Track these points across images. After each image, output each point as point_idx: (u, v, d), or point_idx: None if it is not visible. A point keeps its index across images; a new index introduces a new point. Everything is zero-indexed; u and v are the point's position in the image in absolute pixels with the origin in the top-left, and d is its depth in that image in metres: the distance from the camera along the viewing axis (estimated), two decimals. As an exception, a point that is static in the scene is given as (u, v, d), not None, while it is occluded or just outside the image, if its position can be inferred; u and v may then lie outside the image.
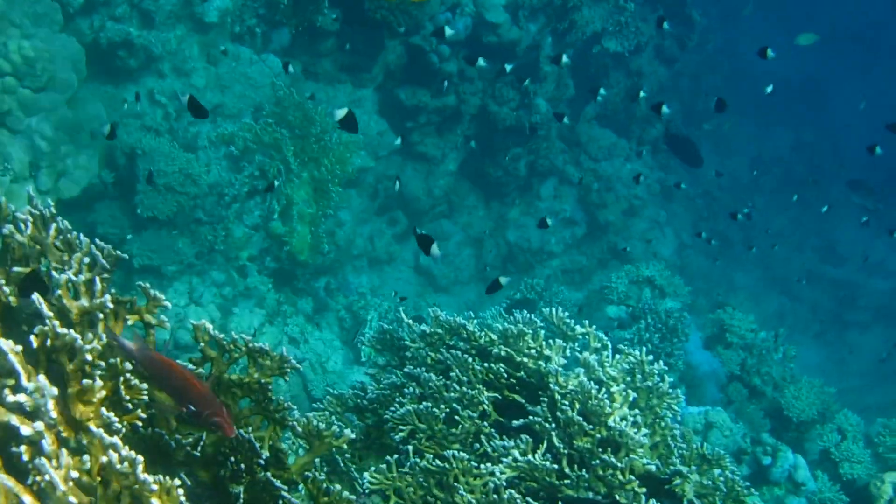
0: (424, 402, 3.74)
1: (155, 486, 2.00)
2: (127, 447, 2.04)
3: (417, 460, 3.54)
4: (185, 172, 7.60)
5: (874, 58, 25.63)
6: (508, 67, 8.50)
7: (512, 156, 11.86)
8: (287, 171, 8.23)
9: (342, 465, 3.79)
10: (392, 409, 3.78)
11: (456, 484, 3.50)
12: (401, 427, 3.72)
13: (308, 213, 8.47)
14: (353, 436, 2.96)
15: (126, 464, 2.00)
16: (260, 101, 8.72)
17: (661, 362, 4.16)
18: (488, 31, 10.94)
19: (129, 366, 2.33)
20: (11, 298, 2.30)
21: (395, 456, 3.61)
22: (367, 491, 3.57)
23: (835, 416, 9.02)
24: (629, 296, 9.58)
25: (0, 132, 6.52)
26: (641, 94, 8.74)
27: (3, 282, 2.30)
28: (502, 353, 3.93)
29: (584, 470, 3.59)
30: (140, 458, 2.01)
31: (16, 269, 2.43)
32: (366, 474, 3.57)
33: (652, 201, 14.49)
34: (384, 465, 3.58)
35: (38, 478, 1.99)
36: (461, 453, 3.51)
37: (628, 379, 4.07)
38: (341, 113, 5.69)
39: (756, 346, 9.48)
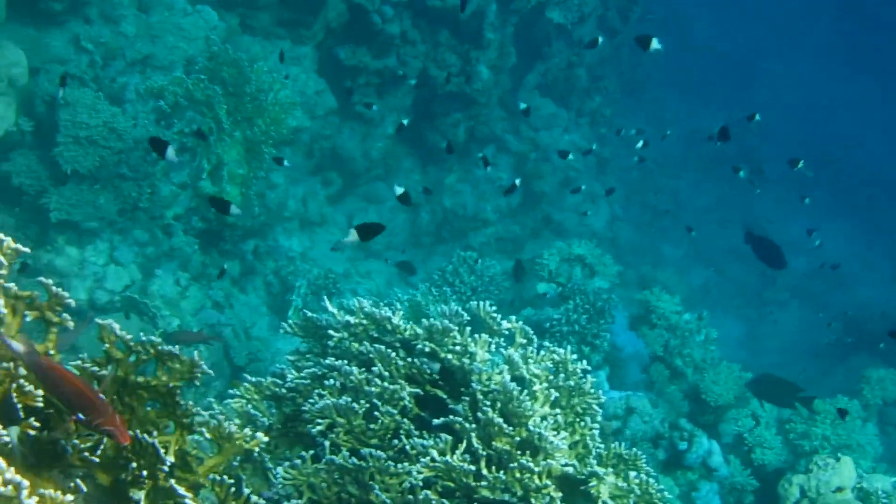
0: (344, 396, 3.64)
1: (41, 514, 1.87)
2: (13, 468, 1.90)
3: (333, 458, 3.44)
4: (110, 126, 7.29)
5: (806, 39, 26.13)
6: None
7: (452, 121, 11.75)
8: (219, 129, 7.97)
9: (256, 454, 3.68)
10: (311, 400, 3.67)
11: (371, 482, 3.43)
12: (319, 420, 3.62)
13: (239, 173, 8.24)
14: (266, 439, 2.85)
15: (10, 488, 1.87)
16: (193, 55, 8.42)
17: (583, 362, 4.12)
18: (432, -6, 10.75)
19: (23, 371, 2.19)
20: None
21: (311, 451, 3.52)
22: (280, 484, 3.48)
23: (750, 401, 9.17)
24: (560, 273, 9.57)
25: None
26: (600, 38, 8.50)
27: None
28: (426, 349, 3.84)
29: (501, 472, 3.54)
30: (25, 482, 1.88)
31: None
32: (279, 469, 3.47)
33: (587, 173, 14.52)
34: (298, 461, 3.49)
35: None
36: (378, 452, 3.43)
37: (551, 377, 4.03)
38: (399, 190, 5.58)
39: (680, 327, 9.56)
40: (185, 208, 8.22)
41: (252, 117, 8.14)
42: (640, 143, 9.68)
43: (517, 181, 6.97)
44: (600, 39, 8.56)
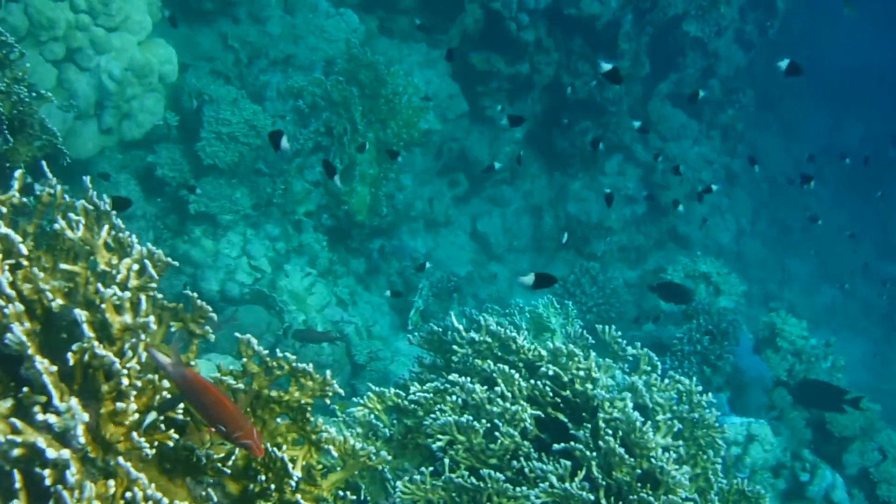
0: (466, 414, 3.66)
1: (179, 530, 1.94)
2: (153, 486, 1.98)
3: (452, 476, 3.47)
4: (251, 123, 7.52)
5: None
6: None
7: (580, 128, 11.66)
8: (353, 130, 8.11)
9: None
10: (433, 416, 3.71)
11: (489, 503, 3.43)
12: (439, 436, 3.65)
13: (370, 174, 8.37)
14: (390, 458, 2.89)
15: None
16: (332, 56, 8.59)
17: (708, 395, 4.04)
18: (569, 2, 10.66)
19: (166, 384, 2.27)
20: (54, 304, 2.24)
21: (431, 467, 3.55)
22: (398, 499, 3.52)
23: (877, 434, 8.81)
24: (683, 290, 9.38)
25: (69, 68, 6.47)
26: (701, 92, 8.36)
27: (48, 287, 2.24)
28: (550, 372, 3.82)
29: (620, 502, 3.50)
30: (165, 500, 1.95)
31: (63, 266, 2.37)
32: (399, 483, 3.51)
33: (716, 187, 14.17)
34: (418, 476, 3.52)
35: (58, 507, 1.95)
36: (497, 473, 3.43)
37: (675, 408, 3.96)
38: (530, 279, 5.39)
39: (806, 352, 9.25)
40: (317, 205, 8.40)
41: (385, 119, 8.26)
42: (809, 183, 9.37)
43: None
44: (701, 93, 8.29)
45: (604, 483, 3.54)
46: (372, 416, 3.99)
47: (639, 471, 3.56)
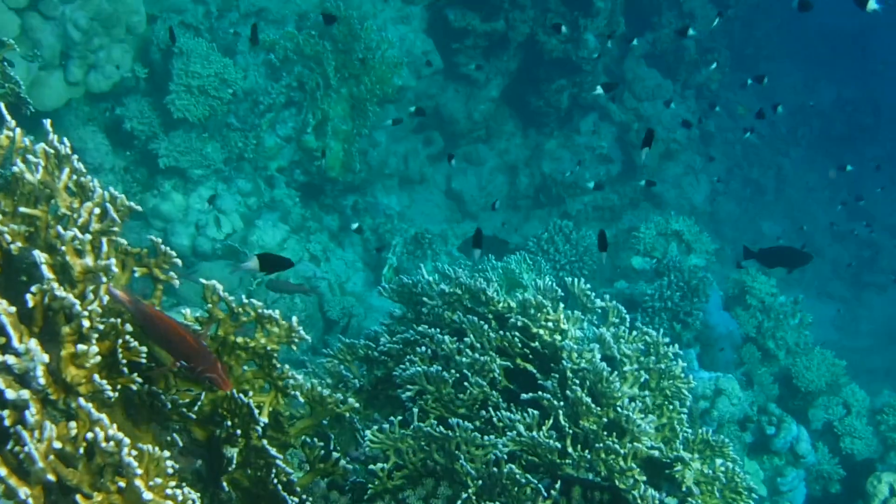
0: (435, 365, 3.68)
1: (140, 471, 1.94)
2: (115, 426, 1.97)
3: (421, 425, 3.48)
4: (222, 77, 7.43)
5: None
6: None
7: (556, 87, 11.62)
8: (326, 85, 8.04)
9: (347, 415, 3.75)
10: (402, 366, 3.72)
11: (457, 452, 3.45)
12: (409, 386, 3.67)
13: (343, 129, 8.31)
14: (357, 405, 2.90)
15: (112, 444, 1.94)
16: (305, 10, 8.48)
17: (675, 346, 4.07)
18: (545, -42, 10.60)
19: (129, 327, 2.25)
20: (13, 247, 2.21)
21: (400, 417, 3.57)
22: (367, 448, 3.54)
23: (842, 389, 8.99)
24: (655, 247, 9.44)
25: (32, 16, 6.35)
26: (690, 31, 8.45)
27: (6, 229, 2.21)
28: (519, 323, 3.84)
29: (587, 451, 3.53)
30: (126, 440, 1.94)
31: (22, 209, 2.33)
32: (367, 432, 3.52)
33: (689, 146, 14.20)
34: (387, 425, 3.53)
35: (17, 448, 1.94)
36: (465, 423, 3.45)
37: (642, 359, 3.98)
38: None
39: (774, 309, 9.37)
40: (289, 161, 8.34)
41: (359, 74, 8.19)
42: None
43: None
44: (690, 31, 8.36)
45: (571, 432, 3.57)
46: (342, 367, 4.00)
47: (605, 420, 3.60)
